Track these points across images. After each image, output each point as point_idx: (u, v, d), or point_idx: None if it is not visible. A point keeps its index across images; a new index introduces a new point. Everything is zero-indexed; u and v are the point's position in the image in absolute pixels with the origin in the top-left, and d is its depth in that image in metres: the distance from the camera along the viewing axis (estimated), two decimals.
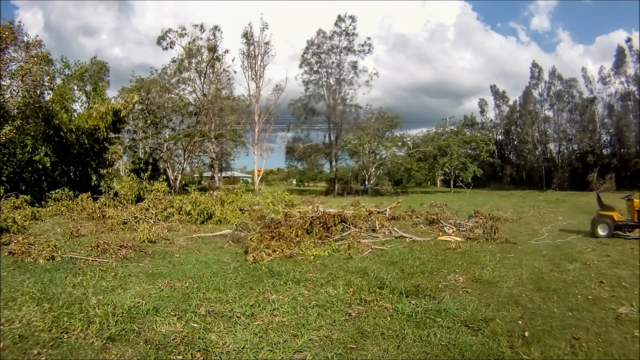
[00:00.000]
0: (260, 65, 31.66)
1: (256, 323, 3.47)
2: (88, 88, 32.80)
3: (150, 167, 23.50)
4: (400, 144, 37.15)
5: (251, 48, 31.64)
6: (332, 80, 35.44)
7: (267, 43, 31.66)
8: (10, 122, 13.42)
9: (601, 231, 7.96)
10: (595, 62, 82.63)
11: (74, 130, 15.18)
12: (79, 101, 31.19)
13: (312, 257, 6.16)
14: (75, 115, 18.00)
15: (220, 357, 2.88)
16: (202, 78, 32.34)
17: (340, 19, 34.69)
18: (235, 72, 35.49)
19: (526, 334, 3.23)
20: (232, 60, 33.34)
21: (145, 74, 32.36)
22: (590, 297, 4.18)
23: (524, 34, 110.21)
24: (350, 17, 34.47)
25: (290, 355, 2.92)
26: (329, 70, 35.48)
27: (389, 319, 3.60)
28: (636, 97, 36.12)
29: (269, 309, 3.82)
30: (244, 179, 55.51)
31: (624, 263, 5.56)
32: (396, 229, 8.49)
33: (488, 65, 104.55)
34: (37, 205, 11.35)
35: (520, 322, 3.50)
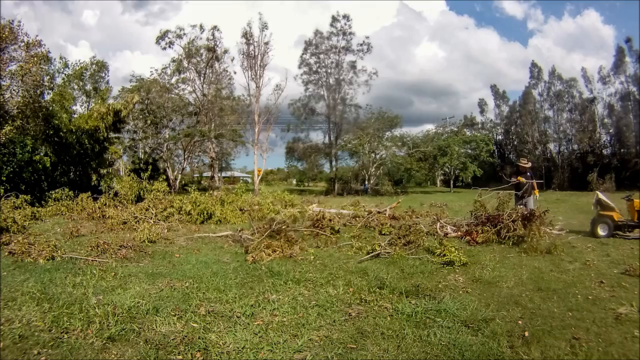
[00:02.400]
0: (260, 65, 31.68)
1: (256, 323, 3.47)
2: (88, 87, 32.87)
3: (150, 167, 23.45)
4: (400, 144, 37.19)
5: (251, 48, 31.67)
6: (331, 80, 35.49)
7: (266, 43, 31.69)
8: (10, 122, 13.42)
9: (601, 231, 7.96)
10: (569, 51, 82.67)
11: (74, 130, 15.16)
12: (79, 100, 31.29)
13: (312, 257, 6.16)
14: (76, 116, 18.03)
15: (220, 357, 2.88)
16: (202, 78, 32.37)
17: (334, 19, 34.81)
18: (235, 72, 35.55)
19: (526, 334, 3.23)
20: (232, 60, 33.22)
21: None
22: (590, 297, 4.18)
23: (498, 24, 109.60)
24: (345, 16, 34.59)
25: (290, 355, 2.92)
26: (328, 70, 35.54)
27: (389, 319, 3.60)
28: (636, 97, 36.15)
29: (269, 309, 3.82)
30: (244, 179, 55.48)
31: (624, 263, 5.55)
32: None
33: (460, 59, 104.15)
34: (37, 205, 11.34)
35: (520, 322, 3.50)
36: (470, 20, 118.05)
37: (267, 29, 31.46)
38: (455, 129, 40.87)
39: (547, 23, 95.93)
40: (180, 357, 2.87)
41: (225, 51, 32.65)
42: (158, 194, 11.61)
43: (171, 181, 28.94)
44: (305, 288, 4.53)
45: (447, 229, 8.38)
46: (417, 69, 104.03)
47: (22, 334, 3.13)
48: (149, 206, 10.29)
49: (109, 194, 12.03)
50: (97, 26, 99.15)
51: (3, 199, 10.11)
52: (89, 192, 12.00)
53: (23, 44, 13.89)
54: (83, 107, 31.03)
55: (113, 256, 5.92)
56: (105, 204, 11.02)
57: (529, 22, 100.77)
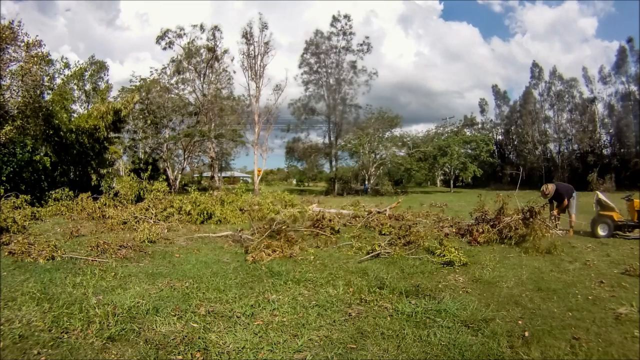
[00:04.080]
0: (260, 65, 31.70)
1: (256, 323, 3.47)
2: (88, 87, 32.86)
3: (150, 167, 23.45)
4: (400, 144, 37.18)
5: (251, 48, 31.69)
6: (331, 80, 35.48)
7: (266, 43, 31.72)
8: (10, 122, 13.41)
9: (601, 231, 7.96)
10: (551, 44, 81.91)
11: (74, 130, 15.16)
12: (78, 101, 31.28)
13: (312, 257, 6.16)
14: (75, 115, 18.01)
15: (220, 357, 2.88)
16: (202, 78, 32.39)
17: (335, 19, 34.79)
18: (234, 72, 35.54)
19: (526, 334, 3.23)
20: (232, 60, 33.24)
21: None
22: (590, 297, 4.18)
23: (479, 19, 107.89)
24: (345, 16, 34.56)
25: (290, 355, 2.92)
26: (329, 70, 35.53)
27: (389, 319, 3.60)
28: (636, 97, 36.16)
29: (269, 309, 3.82)
30: (244, 179, 55.46)
31: (624, 263, 5.55)
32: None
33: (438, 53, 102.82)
34: (37, 205, 11.33)
35: (520, 322, 3.50)
36: (440, 9, 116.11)
37: (267, 29, 31.52)
38: (455, 129, 40.88)
39: (526, 15, 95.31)
40: (180, 357, 2.87)
41: (225, 51, 32.72)
42: (158, 194, 11.60)
43: (171, 181, 28.91)
44: (305, 288, 4.53)
45: (447, 229, 8.38)
46: (399, 68, 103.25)
47: (22, 334, 3.13)
48: (149, 206, 10.29)
49: (109, 194, 12.03)
50: (77, 36, 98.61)
51: (3, 199, 10.11)
52: (89, 192, 12.00)
53: (23, 44, 13.86)
54: (82, 107, 31.02)
55: (113, 256, 5.92)
56: (105, 204, 11.03)
57: (506, 17, 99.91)
